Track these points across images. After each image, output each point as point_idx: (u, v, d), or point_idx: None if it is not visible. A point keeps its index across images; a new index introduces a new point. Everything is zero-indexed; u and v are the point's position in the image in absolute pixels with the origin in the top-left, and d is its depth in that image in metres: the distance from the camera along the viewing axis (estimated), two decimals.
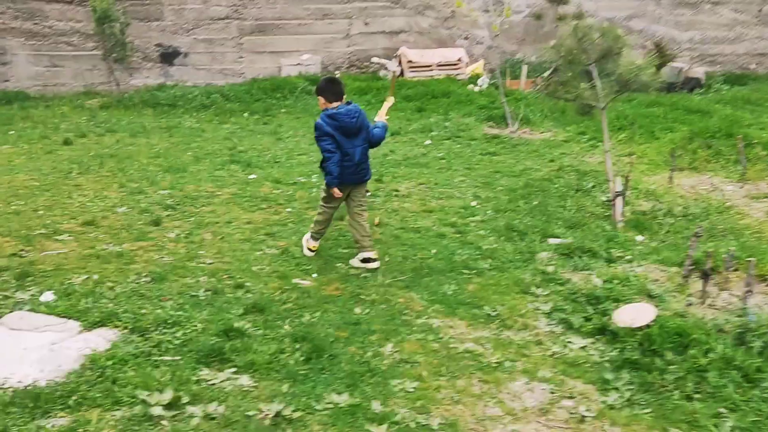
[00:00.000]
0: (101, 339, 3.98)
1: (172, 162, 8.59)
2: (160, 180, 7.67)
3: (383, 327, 4.32)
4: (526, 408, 3.59)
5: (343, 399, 3.52)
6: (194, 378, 3.63)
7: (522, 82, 14.02)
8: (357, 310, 4.55)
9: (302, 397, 3.54)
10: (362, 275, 5.15)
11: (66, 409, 3.35)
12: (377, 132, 5.43)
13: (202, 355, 3.77)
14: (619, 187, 6.64)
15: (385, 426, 3.31)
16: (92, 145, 9.62)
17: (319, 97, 5.27)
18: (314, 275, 5.14)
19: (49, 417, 3.27)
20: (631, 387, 3.75)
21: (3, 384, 3.51)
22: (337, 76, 13.02)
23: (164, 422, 3.29)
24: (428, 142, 10.19)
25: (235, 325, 4.17)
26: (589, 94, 6.55)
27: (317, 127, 5.10)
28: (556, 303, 4.72)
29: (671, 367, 3.84)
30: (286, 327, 4.24)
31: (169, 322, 4.16)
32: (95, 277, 4.93)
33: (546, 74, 14.52)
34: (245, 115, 12.24)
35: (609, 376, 3.84)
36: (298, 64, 14.78)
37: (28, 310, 4.36)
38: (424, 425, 3.38)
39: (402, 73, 15.16)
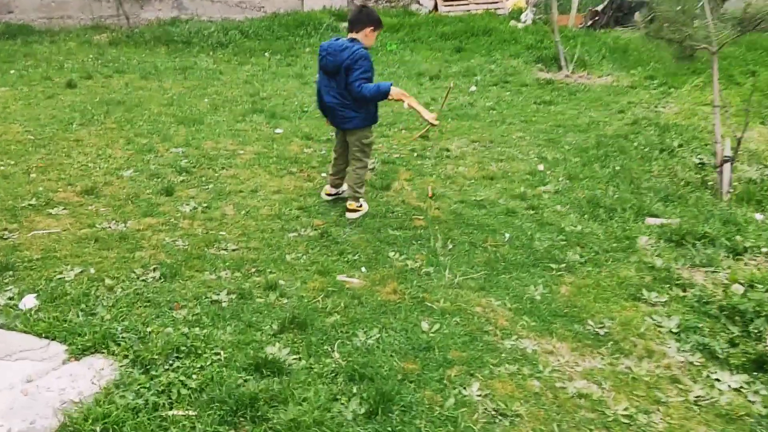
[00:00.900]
0: (91, 374, 2.93)
1: (186, 111, 7.40)
2: (173, 134, 6.51)
3: (462, 354, 3.22)
4: None
5: None
6: None
7: (572, 17, 12.54)
8: (424, 325, 3.45)
9: None
10: (423, 271, 4.03)
11: None
12: (361, 88, 4.35)
13: (227, 410, 2.69)
14: (728, 151, 5.39)
15: None
16: (98, 88, 8.42)
17: None
18: (363, 269, 4.03)
19: None
20: None
21: None
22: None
23: None
24: (473, 88, 8.89)
25: (270, 352, 3.09)
26: (703, 35, 5.23)
27: None
28: (683, 317, 3.58)
29: None
30: (336, 355, 3.15)
31: (182, 348, 3.08)
32: (92, 270, 3.85)
33: (600, 7, 12.97)
34: (266, 54, 10.94)
35: None
36: None
37: (1, 324, 3.30)
38: None
39: (436, 7, 13.68)
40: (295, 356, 3.11)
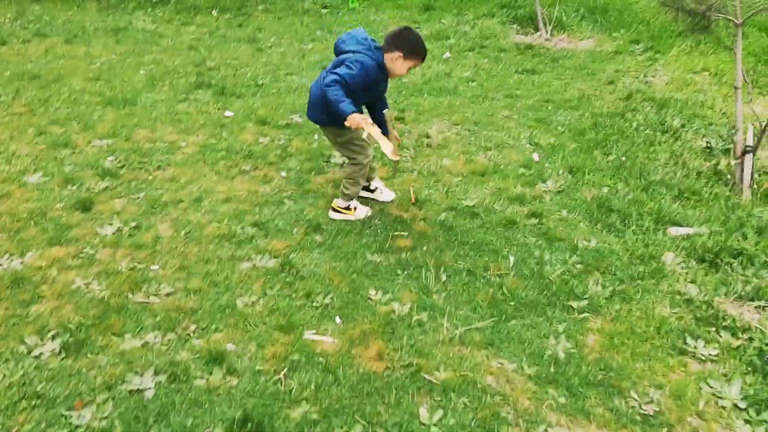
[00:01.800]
0: None
1: (117, 87, 6.22)
2: (97, 120, 5.37)
3: None
4: None
5: None
6: None
7: None
8: (423, 413, 2.56)
9: None
10: (414, 319, 3.12)
11: None
12: (331, 85, 3.47)
13: None
14: (750, 140, 4.56)
15: None
16: (11, 57, 7.12)
17: None
18: (337, 319, 3.10)
19: None
20: None
21: None
22: None
23: None
24: (447, 55, 7.87)
25: None
26: (730, 4, 4.34)
27: None
28: (745, 381, 2.78)
29: None
30: None
31: None
32: None
33: None
34: (213, 13, 9.66)
35: None
36: None
37: None
38: None
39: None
40: None
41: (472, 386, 2.70)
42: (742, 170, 4.56)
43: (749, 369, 2.87)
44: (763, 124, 4.54)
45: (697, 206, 4.36)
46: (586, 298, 3.32)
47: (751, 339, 3.04)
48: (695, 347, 3.00)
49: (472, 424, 2.52)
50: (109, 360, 2.72)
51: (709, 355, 2.96)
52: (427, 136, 5.35)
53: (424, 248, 3.73)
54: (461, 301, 3.28)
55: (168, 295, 3.20)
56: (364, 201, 4.24)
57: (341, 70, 3.49)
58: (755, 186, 4.54)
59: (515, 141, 5.36)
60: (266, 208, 4.12)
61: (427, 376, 2.74)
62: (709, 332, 3.10)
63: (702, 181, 4.74)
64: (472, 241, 3.83)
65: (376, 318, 3.10)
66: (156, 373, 2.65)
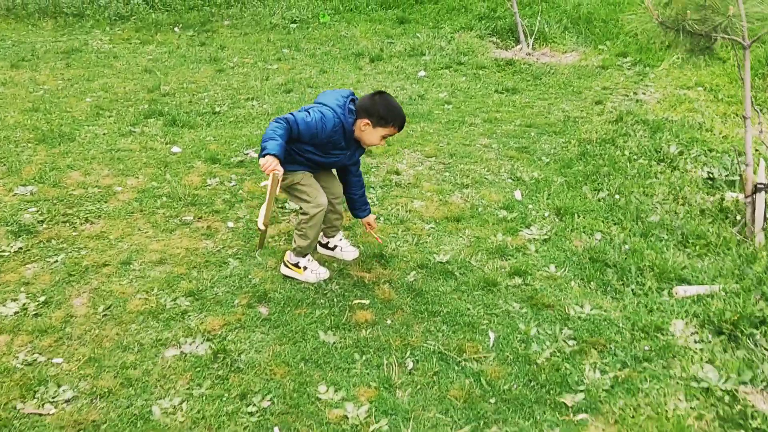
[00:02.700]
0: None
1: (55, 120, 5.54)
2: (25, 161, 4.70)
3: None
4: None
5: None
6: None
7: None
8: None
9: None
10: (372, 430, 2.49)
11: None
12: (274, 121, 3.09)
13: None
14: (762, 177, 3.97)
15: None
16: None
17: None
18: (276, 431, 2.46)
19: None
20: None
21: None
22: None
23: None
24: (422, 73, 7.27)
25: None
26: (734, 25, 3.75)
27: None
28: None
29: None
30: None
31: None
32: None
33: None
34: (176, 30, 9.00)
35: None
36: None
37: None
38: None
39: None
40: None
41: None
42: (754, 210, 3.97)
43: None
44: None
45: (704, 254, 3.77)
46: (582, 390, 2.70)
47: None
48: None
49: None
50: None
51: None
52: (397, 173, 4.73)
53: (388, 322, 3.10)
54: (430, 398, 2.65)
55: (68, 402, 2.55)
56: (324, 258, 3.60)
57: (297, 111, 3.10)
58: (765, 228, 3.95)
59: (495, 176, 4.75)
60: (206, 270, 3.48)
61: None
62: None
63: (707, 221, 4.15)
64: (445, 311, 3.20)
65: (323, 428, 2.47)
66: None
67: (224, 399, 2.60)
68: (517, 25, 8.38)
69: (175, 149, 4.99)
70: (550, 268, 3.60)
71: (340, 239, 3.66)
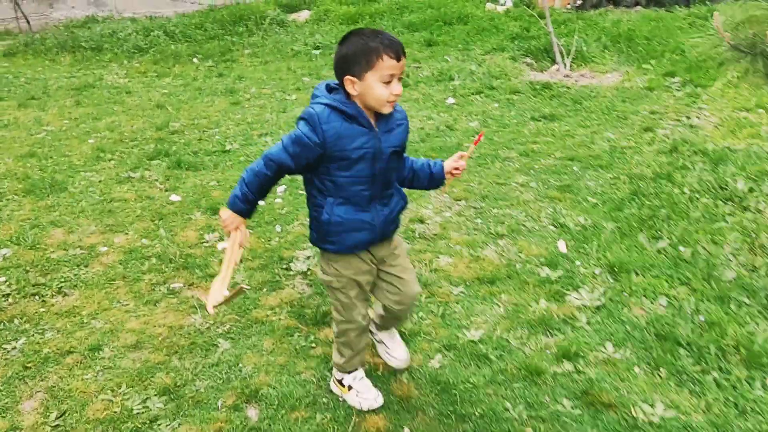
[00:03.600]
0: None
1: (50, 166, 5.04)
2: (5, 218, 4.16)
3: None
4: None
5: None
6: None
7: None
8: None
9: None
10: None
11: None
12: (256, 162, 2.23)
13: None
14: None
15: None
16: None
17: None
18: None
19: None
20: None
21: None
22: None
23: None
24: (451, 100, 6.61)
25: None
26: None
27: None
28: None
29: None
30: None
31: None
32: None
33: None
34: (195, 60, 8.52)
35: None
36: None
37: None
38: None
39: None
40: None
41: None
42: None
43: None
44: None
45: None
46: None
47: None
48: None
49: None
50: None
51: None
52: (421, 221, 4.05)
53: (406, 431, 2.41)
54: None
55: None
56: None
57: (283, 136, 2.17)
58: None
59: (534, 222, 4.04)
60: (189, 356, 2.85)
61: None
62: None
63: None
64: (478, 413, 2.50)
65: None
66: None
67: None
68: (552, 45, 7.67)
69: (174, 197, 4.41)
70: (608, 348, 2.87)
71: (392, 337, 2.78)
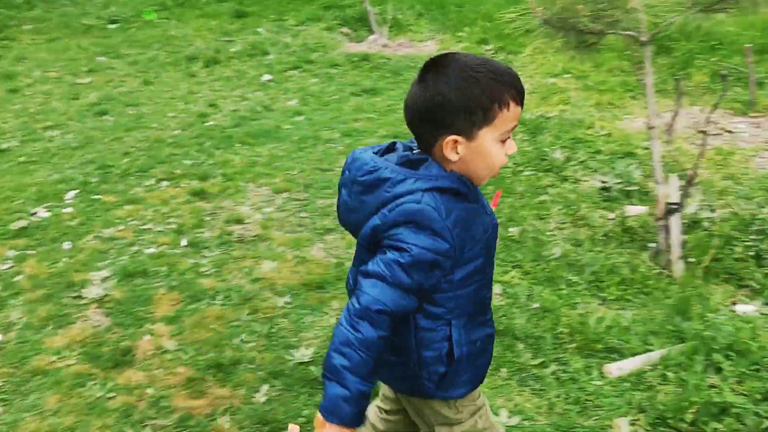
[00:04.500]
0: None
1: None
2: None
3: None
4: None
5: None
6: None
7: None
8: None
9: None
10: None
11: None
12: (353, 310, 1.30)
13: None
14: (674, 195, 3.22)
15: None
16: None
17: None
18: None
19: None
20: None
21: None
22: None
23: None
24: (267, 77, 6.09)
25: None
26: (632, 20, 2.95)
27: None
28: None
29: None
30: None
31: None
32: None
33: None
34: None
35: None
36: None
37: None
38: None
39: None
40: None
41: None
42: (667, 234, 3.22)
43: None
44: (692, 178, 3.23)
45: (624, 300, 2.99)
46: None
47: None
48: None
49: None
50: None
51: None
52: (239, 221, 3.58)
53: None
54: None
55: None
56: None
57: (381, 258, 1.34)
58: (682, 256, 3.22)
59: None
60: None
61: None
62: None
63: (613, 247, 3.39)
64: None
65: None
66: None
67: None
68: (368, 13, 7.38)
69: None
70: None
71: None
